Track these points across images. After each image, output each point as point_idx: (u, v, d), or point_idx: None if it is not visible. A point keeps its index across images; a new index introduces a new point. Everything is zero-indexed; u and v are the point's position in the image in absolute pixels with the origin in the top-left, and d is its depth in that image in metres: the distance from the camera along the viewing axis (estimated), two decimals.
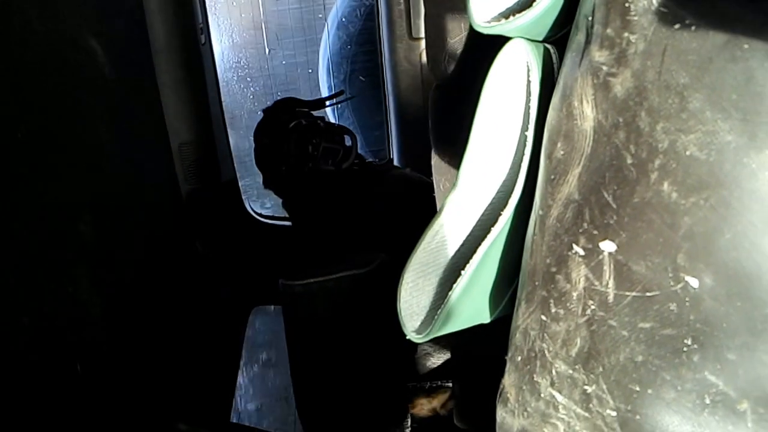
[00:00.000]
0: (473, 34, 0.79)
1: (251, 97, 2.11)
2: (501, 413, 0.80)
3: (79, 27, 1.53)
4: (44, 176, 1.36)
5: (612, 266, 0.61)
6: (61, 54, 1.48)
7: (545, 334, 0.69)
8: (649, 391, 0.61)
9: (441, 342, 0.86)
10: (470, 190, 0.81)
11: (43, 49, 1.41)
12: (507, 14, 0.74)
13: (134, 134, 1.79)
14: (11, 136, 1.25)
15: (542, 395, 0.71)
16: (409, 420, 1.62)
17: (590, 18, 0.61)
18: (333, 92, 2.52)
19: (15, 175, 1.26)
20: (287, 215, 2.04)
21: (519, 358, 0.74)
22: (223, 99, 2.11)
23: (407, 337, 0.84)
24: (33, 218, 1.31)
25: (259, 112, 1.93)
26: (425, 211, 1.06)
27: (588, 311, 0.64)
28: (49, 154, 1.39)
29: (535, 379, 0.72)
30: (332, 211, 1.88)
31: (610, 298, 0.61)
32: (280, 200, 2.01)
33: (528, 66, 0.74)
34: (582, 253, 0.63)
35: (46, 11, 1.41)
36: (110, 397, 1.54)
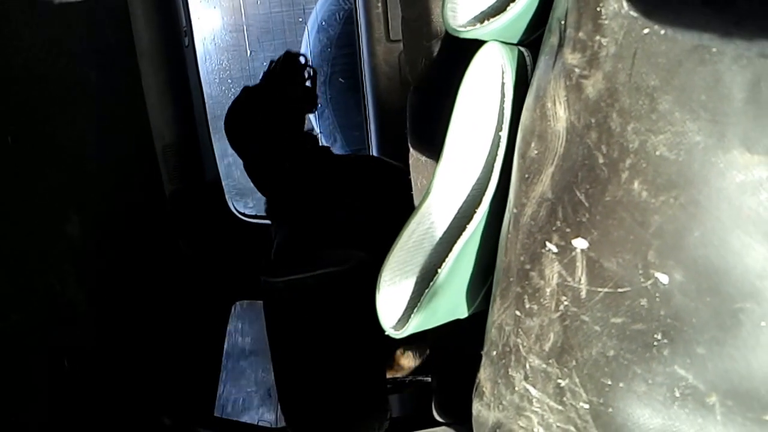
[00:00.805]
0: (449, 38, 0.79)
1: (233, 97, 2.11)
2: (477, 406, 0.80)
3: (65, 31, 1.52)
4: (31, 178, 1.35)
5: (584, 263, 0.61)
6: (47, 58, 1.47)
7: (519, 330, 0.69)
8: (621, 384, 0.61)
9: (419, 337, 0.86)
10: (446, 189, 0.81)
11: (30, 53, 1.40)
12: (481, 18, 0.74)
13: (119, 136, 1.78)
14: (0, 140, 1.24)
15: (517, 389, 0.71)
16: (389, 413, 1.62)
17: (563, 21, 0.61)
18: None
19: (2, 177, 1.25)
20: (269, 215, 2.03)
21: (494, 352, 0.74)
22: (206, 100, 2.10)
23: (386, 333, 0.83)
24: (20, 219, 1.30)
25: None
26: (401, 202, 1.06)
27: (561, 307, 0.64)
28: (35, 156, 1.38)
29: (509, 373, 0.72)
30: (326, 205, 1.87)
31: (583, 294, 0.61)
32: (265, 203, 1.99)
33: (502, 68, 0.74)
34: (555, 250, 0.63)
35: (32, 16, 1.40)
36: (96, 393, 1.53)
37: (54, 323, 1.41)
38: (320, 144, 1.98)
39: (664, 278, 0.55)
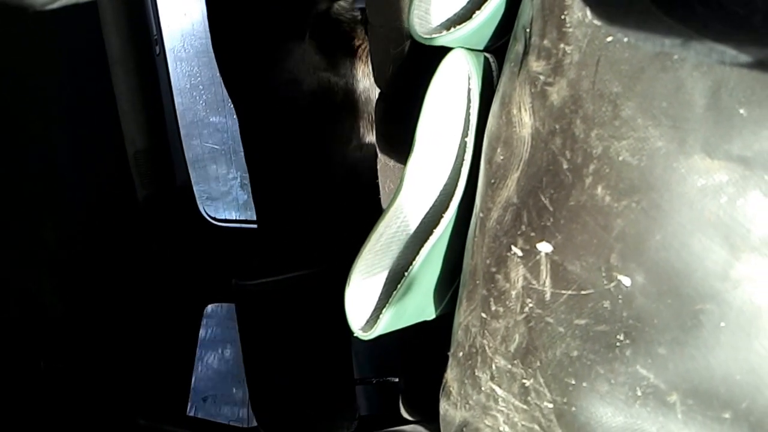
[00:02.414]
0: (415, 45, 0.79)
1: (203, 104, 2.09)
2: (444, 406, 0.80)
3: (36, 40, 1.50)
4: (5, 184, 1.34)
5: (549, 266, 0.61)
6: (19, 67, 1.45)
7: (485, 331, 0.69)
8: (584, 384, 0.61)
9: (387, 338, 0.86)
10: (414, 193, 0.80)
11: (1, 62, 1.38)
12: (448, 25, 0.74)
13: (91, 143, 1.76)
14: None
15: (483, 389, 0.71)
16: (357, 413, 1.62)
17: (528, 29, 0.61)
18: None
19: None
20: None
21: (461, 353, 0.74)
22: (177, 107, 2.09)
23: (354, 335, 0.83)
24: None
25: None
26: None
27: (526, 309, 0.63)
28: (9, 163, 1.37)
29: (476, 373, 0.71)
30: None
31: (547, 296, 0.61)
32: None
33: (468, 75, 0.74)
34: (520, 253, 0.63)
35: (3, 26, 1.38)
36: (72, 394, 1.52)
37: (30, 326, 1.39)
38: None
39: (626, 281, 0.55)
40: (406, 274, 0.79)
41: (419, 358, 1.22)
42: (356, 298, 0.82)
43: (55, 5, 1.42)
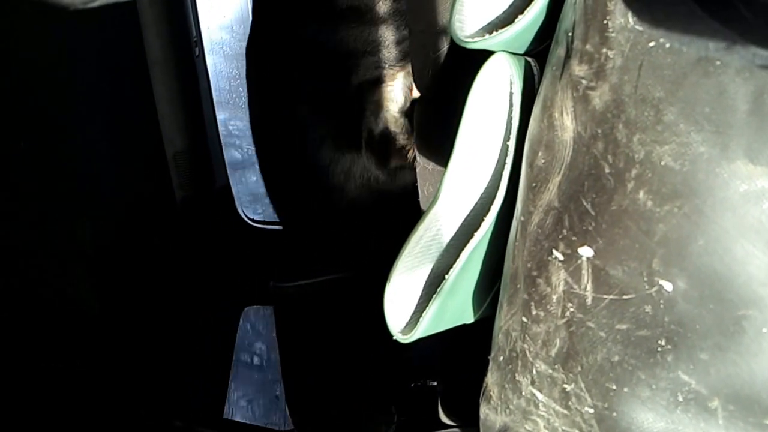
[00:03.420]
0: (456, 48, 0.80)
1: (243, 106, 2.10)
2: (484, 410, 0.80)
3: (77, 41, 1.53)
4: (43, 185, 1.36)
5: (590, 271, 0.61)
6: (60, 67, 1.47)
7: (526, 335, 0.69)
8: (625, 389, 0.62)
9: (426, 342, 0.87)
10: (454, 196, 0.81)
11: (43, 62, 1.41)
12: (489, 29, 0.74)
13: (130, 144, 1.78)
14: (14, 147, 1.25)
15: (523, 393, 0.72)
16: (395, 417, 1.62)
17: (570, 34, 0.61)
18: None
19: (16, 184, 1.26)
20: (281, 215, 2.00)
21: (501, 357, 0.75)
22: (216, 108, 2.10)
23: (394, 338, 0.84)
24: (33, 223, 1.31)
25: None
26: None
27: (567, 313, 0.64)
28: (48, 162, 1.39)
29: (516, 378, 0.72)
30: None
31: (589, 300, 0.62)
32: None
33: (510, 79, 0.74)
34: (561, 258, 0.63)
35: (45, 27, 1.41)
36: (108, 394, 1.53)
37: (67, 326, 1.41)
38: None
39: (668, 286, 0.56)
40: (446, 277, 0.79)
41: (459, 361, 1.22)
42: (396, 300, 0.82)
43: (95, 4, 1.44)
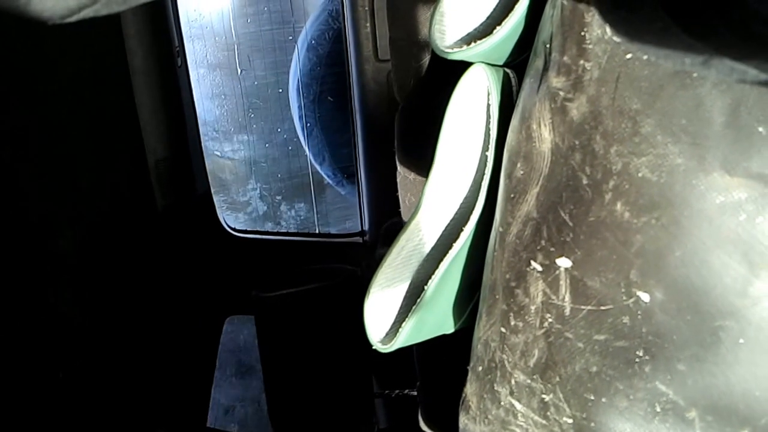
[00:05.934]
0: (436, 58, 0.80)
1: (225, 114, 2.10)
2: (463, 420, 0.80)
3: (59, 50, 1.52)
4: (24, 195, 1.35)
5: (568, 281, 0.61)
6: (42, 76, 1.47)
7: (505, 346, 0.69)
8: (603, 399, 0.62)
9: (406, 352, 0.86)
10: (434, 207, 0.81)
11: (25, 72, 1.40)
12: (468, 40, 0.74)
13: (111, 152, 1.78)
14: None
15: (502, 403, 0.71)
16: (376, 427, 1.62)
17: (548, 45, 0.62)
18: (302, 112, 2.49)
19: None
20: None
21: (480, 368, 0.74)
22: (198, 116, 2.10)
23: (373, 348, 0.83)
24: (15, 234, 1.30)
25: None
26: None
27: (545, 324, 0.64)
28: (28, 174, 1.38)
29: (495, 388, 0.72)
30: None
31: (567, 311, 0.62)
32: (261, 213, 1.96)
33: (488, 90, 0.74)
34: (540, 268, 0.63)
35: (27, 36, 1.40)
36: (91, 404, 1.52)
37: (49, 336, 1.40)
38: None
39: (645, 297, 0.56)
40: (426, 287, 0.79)
41: (438, 371, 1.23)
42: (376, 310, 0.82)
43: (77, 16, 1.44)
